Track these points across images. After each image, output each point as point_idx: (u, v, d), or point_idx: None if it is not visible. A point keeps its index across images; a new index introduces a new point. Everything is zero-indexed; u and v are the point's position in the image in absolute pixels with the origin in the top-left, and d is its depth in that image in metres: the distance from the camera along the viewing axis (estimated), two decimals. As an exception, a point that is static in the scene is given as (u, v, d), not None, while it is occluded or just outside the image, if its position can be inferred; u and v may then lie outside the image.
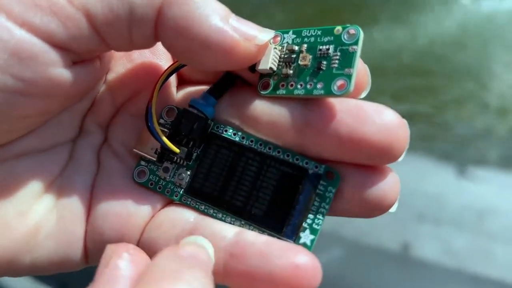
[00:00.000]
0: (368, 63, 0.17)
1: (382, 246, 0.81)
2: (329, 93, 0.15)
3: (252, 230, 0.16)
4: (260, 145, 0.17)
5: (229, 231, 0.15)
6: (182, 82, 0.19)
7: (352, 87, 0.15)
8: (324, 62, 0.16)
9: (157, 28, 0.14)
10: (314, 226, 0.16)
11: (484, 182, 0.95)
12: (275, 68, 0.16)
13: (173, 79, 0.18)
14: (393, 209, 0.16)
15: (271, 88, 0.16)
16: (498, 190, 0.94)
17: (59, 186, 0.17)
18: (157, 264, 0.12)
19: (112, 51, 0.17)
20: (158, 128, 0.16)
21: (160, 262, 0.12)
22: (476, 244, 0.80)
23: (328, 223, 0.15)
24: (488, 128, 1.15)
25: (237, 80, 0.17)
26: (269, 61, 0.16)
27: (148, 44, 0.15)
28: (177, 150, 0.17)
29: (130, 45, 0.15)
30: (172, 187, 0.17)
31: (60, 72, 0.14)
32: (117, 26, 0.14)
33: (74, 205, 0.16)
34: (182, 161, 0.17)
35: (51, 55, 0.14)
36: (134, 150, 0.17)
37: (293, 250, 0.14)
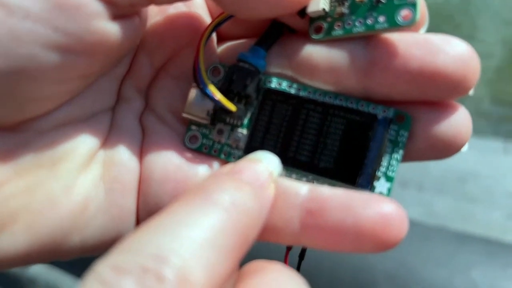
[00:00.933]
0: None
1: None
2: (394, 25, 0.14)
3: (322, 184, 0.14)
4: (320, 95, 0.15)
5: (302, 188, 0.14)
6: (220, 39, 0.17)
7: (418, 16, 0.13)
8: (384, -6, 0.14)
9: None
10: (389, 173, 0.14)
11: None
12: (327, 9, 0.15)
13: (213, 36, 0.17)
14: (464, 148, 0.15)
15: (325, 30, 0.15)
16: (478, 155, 0.96)
17: (104, 157, 0.16)
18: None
19: (149, 7, 0.16)
20: (211, 86, 0.15)
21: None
22: (457, 206, 0.83)
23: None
24: (467, 98, 1.17)
25: (284, 29, 0.16)
26: (321, 2, 0.15)
27: None
28: (234, 108, 0.15)
29: None
30: (228, 150, 0.16)
31: (103, 25, 0.13)
32: None
33: (123, 176, 0.15)
34: (236, 121, 0.16)
35: (95, 6, 0.13)
36: (183, 114, 0.16)
37: (377, 199, 0.13)
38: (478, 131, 1.06)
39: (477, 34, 1.35)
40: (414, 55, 0.14)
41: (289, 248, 0.15)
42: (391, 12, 0.14)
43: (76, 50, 0.13)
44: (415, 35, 0.14)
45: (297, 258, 0.16)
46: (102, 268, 0.10)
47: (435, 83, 0.13)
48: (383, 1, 0.14)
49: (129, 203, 0.15)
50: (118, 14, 0.14)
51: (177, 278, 0.09)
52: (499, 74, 1.24)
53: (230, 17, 0.16)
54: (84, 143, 0.15)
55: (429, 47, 0.14)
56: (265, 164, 0.14)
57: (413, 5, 0.14)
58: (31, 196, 0.14)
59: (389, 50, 0.14)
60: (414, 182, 0.91)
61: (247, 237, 0.12)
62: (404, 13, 0.14)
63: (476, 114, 1.14)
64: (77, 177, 0.15)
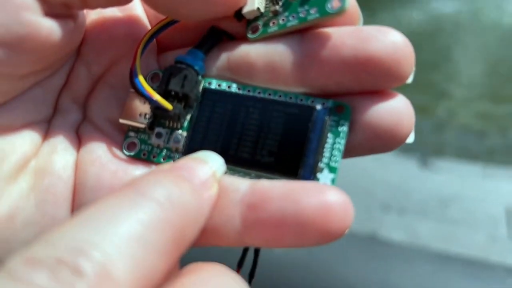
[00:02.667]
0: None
1: (349, 234, 0.84)
2: (325, 13, 0.14)
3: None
4: (259, 92, 0.15)
5: (242, 184, 0.13)
6: (161, 50, 0.17)
7: (347, 4, 0.14)
8: (314, -11, 0.14)
9: None
10: (332, 164, 0.14)
11: (445, 171, 1.01)
12: (262, 9, 0.15)
13: (152, 46, 0.17)
14: (410, 139, 0.14)
15: (261, 29, 0.15)
16: (458, 179, 0.98)
17: (35, 167, 0.15)
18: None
19: (85, 16, 0.15)
20: (146, 85, 0.15)
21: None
22: (439, 229, 0.84)
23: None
24: (446, 120, 1.23)
25: (223, 36, 0.16)
26: (256, 2, 0.15)
27: None
28: (170, 106, 0.15)
29: None
30: (168, 153, 0.15)
31: (34, 18, 0.13)
32: None
33: (55, 186, 0.14)
34: (176, 124, 0.15)
35: None
36: (121, 120, 0.15)
37: (319, 188, 0.12)
38: (458, 155, 1.09)
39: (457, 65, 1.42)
40: (346, 44, 0.14)
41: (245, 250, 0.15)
42: (321, 3, 0.14)
43: (5, 41, 0.12)
44: (348, 27, 0.14)
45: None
46: (14, 261, 0.09)
47: (369, 71, 0.13)
48: (313, -5, 0.15)
49: (63, 214, 0.14)
50: (50, 12, 0.13)
51: (97, 273, 0.09)
52: (480, 99, 1.28)
53: (169, 24, 0.16)
54: (13, 153, 0.14)
55: (361, 35, 0.14)
56: (209, 163, 0.13)
57: None
58: None
59: (323, 42, 0.14)
60: (395, 206, 0.91)
61: (183, 235, 0.11)
62: (334, 2, 0.14)
63: (457, 138, 1.18)
64: (4, 187, 0.14)
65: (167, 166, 0.13)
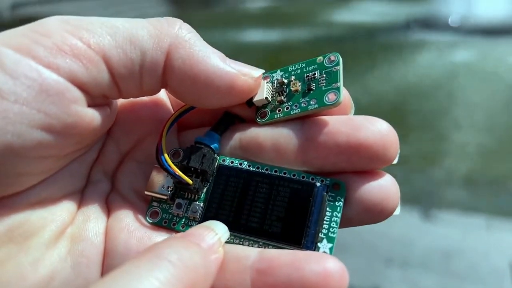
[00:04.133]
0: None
1: None
2: (323, 105, 0.17)
3: (272, 248, 0.16)
4: (266, 169, 0.17)
5: (252, 251, 0.15)
6: (181, 129, 0.20)
7: (341, 98, 0.16)
8: (313, 84, 0.17)
9: (165, 69, 0.16)
10: (330, 234, 0.16)
11: (448, 224, 1.02)
12: (270, 98, 0.18)
13: (173, 126, 0.19)
14: (397, 212, 0.16)
15: (268, 115, 0.18)
16: (461, 232, 0.99)
17: (71, 234, 0.17)
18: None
19: (117, 102, 0.18)
20: (170, 162, 0.17)
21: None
22: (444, 284, 0.84)
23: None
24: (448, 175, 1.25)
25: (235, 119, 0.19)
26: (264, 93, 0.18)
27: (154, 89, 0.17)
28: (190, 182, 0.17)
29: (139, 90, 0.17)
30: (186, 222, 0.17)
31: (80, 110, 0.15)
32: (130, 68, 0.16)
33: (88, 251, 0.16)
34: (194, 195, 0.18)
35: (74, 93, 0.15)
36: (146, 192, 0.18)
37: (320, 257, 0.14)
38: (461, 207, 1.10)
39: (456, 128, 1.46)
40: (341, 132, 0.16)
41: None
42: (320, 96, 0.17)
43: (56, 129, 0.15)
44: (342, 116, 0.17)
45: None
46: None
47: (360, 155, 0.16)
48: (313, 88, 0.17)
49: (94, 275, 0.16)
50: (92, 103, 0.16)
51: None
52: (482, 154, 1.31)
53: (190, 109, 0.19)
54: (54, 222, 0.17)
55: (353, 124, 0.16)
56: (215, 230, 0.15)
57: (337, 89, 0.17)
58: (0, 268, 0.15)
59: (321, 129, 0.17)
60: (398, 259, 0.91)
61: None
62: (330, 95, 0.17)
63: (459, 191, 1.19)
64: (45, 252, 0.16)
65: (180, 234, 0.15)
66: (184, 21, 0.17)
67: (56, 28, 0.15)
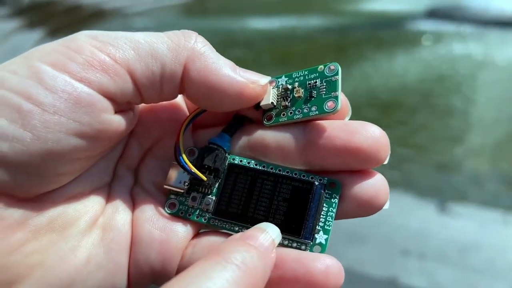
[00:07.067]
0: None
1: (369, 279, 0.86)
2: (322, 112, 0.18)
3: None
4: (271, 168, 0.19)
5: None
6: (195, 129, 0.22)
7: (339, 106, 0.18)
8: (314, 91, 0.19)
9: (183, 79, 0.18)
10: (326, 227, 0.18)
11: (465, 218, 1.03)
12: (275, 103, 0.20)
13: (189, 126, 0.22)
14: (386, 206, 0.18)
15: (273, 118, 0.20)
16: (478, 226, 1.00)
17: (102, 224, 0.19)
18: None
19: (139, 106, 0.21)
20: (187, 161, 0.19)
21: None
22: (461, 277, 0.85)
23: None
24: (466, 169, 1.23)
25: (244, 120, 0.21)
26: (270, 98, 0.20)
27: (173, 95, 0.19)
28: (205, 178, 0.19)
29: (159, 97, 0.19)
30: (200, 213, 0.20)
31: (109, 117, 0.18)
32: (151, 78, 0.18)
33: (118, 238, 0.19)
34: (207, 190, 0.20)
35: (104, 103, 0.17)
36: (165, 186, 0.20)
37: (322, 256, 0.17)
38: (477, 201, 1.09)
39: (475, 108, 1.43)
40: (338, 136, 0.18)
41: None
42: (320, 103, 0.19)
43: (89, 135, 0.17)
44: (340, 121, 0.19)
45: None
46: None
47: (355, 157, 0.18)
48: (314, 96, 0.19)
49: (123, 260, 0.19)
50: (118, 109, 0.18)
51: None
52: (499, 148, 1.28)
53: (203, 111, 0.21)
54: (87, 212, 0.19)
55: (349, 129, 0.18)
56: (269, 233, 0.17)
57: (336, 98, 0.19)
58: (44, 254, 0.17)
59: (321, 132, 0.19)
60: (415, 251, 0.92)
61: None
62: (329, 103, 0.19)
63: (476, 186, 1.18)
64: (81, 239, 0.19)
65: (239, 235, 0.17)
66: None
67: (86, 45, 0.17)
